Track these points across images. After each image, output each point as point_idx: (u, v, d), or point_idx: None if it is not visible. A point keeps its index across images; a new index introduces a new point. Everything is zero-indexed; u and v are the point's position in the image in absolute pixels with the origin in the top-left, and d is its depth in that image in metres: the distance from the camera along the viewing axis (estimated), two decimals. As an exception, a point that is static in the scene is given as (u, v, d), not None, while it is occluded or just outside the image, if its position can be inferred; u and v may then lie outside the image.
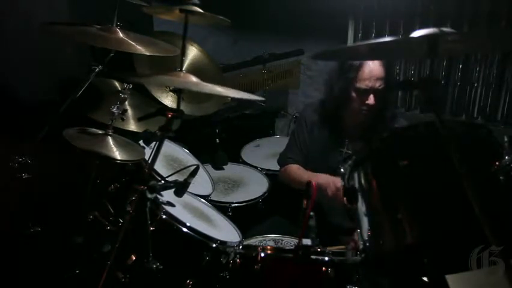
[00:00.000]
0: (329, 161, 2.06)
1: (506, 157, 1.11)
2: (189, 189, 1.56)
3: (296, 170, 2.15)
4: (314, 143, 2.17)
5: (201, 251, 1.64)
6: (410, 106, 3.22)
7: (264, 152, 2.90)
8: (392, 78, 2.03)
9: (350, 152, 2.05)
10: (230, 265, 1.60)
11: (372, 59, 1.86)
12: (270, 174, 2.57)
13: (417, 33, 0.99)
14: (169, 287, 1.65)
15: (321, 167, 2.05)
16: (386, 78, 1.94)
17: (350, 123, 2.08)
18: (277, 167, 2.57)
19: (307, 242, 1.50)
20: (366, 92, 1.93)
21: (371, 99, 1.93)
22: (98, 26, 1.59)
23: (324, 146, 2.13)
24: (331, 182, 1.88)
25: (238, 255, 1.61)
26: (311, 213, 1.48)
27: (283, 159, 2.27)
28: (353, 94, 1.96)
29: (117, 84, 2.08)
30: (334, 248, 1.55)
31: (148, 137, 1.42)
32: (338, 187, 1.84)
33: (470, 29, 2.85)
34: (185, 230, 1.63)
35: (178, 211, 1.73)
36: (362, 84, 1.92)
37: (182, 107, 1.44)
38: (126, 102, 1.84)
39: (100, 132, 1.76)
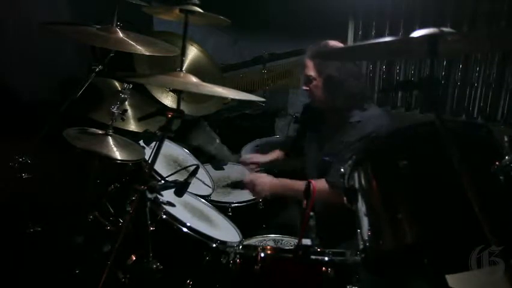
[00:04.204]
0: (308, 148, 2.28)
1: (506, 157, 1.11)
2: (189, 189, 1.56)
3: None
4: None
5: (201, 251, 1.64)
6: (410, 106, 3.21)
7: (264, 152, 2.90)
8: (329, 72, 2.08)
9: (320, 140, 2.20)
10: (230, 265, 1.60)
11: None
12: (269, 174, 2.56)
13: (417, 33, 1.00)
14: (169, 287, 1.65)
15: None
16: (324, 69, 2.04)
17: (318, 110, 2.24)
18: (277, 167, 2.58)
19: (307, 242, 1.50)
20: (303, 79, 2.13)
21: (303, 85, 2.13)
22: (98, 26, 1.59)
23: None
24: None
25: (238, 255, 1.61)
26: (311, 213, 1.48)
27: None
28: None
29: (117, 84, 2.08)
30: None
31: (148, 137, 1.42)
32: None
33: (470, 29, 2.85)
34: (185, 230, 1.63)
35: (178, 211, 1.73)
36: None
37: (182, 107, 1.44)
38: (126, 102, 1.84)
39: (100, 132, 1.76)
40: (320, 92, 2.08)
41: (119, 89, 2.02)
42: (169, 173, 1.75)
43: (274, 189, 2.19)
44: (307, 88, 2.11)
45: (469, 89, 3.00)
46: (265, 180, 2.22)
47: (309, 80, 2.09)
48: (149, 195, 1.41)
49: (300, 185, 1.98)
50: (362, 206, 1.33)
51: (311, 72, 2.07)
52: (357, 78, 2.09)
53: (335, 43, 2.09)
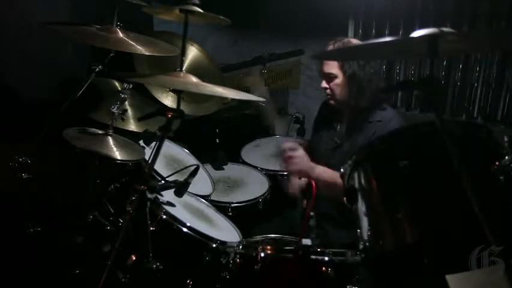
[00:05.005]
0: (322, 145, 2.17)
1: (506, 157, 1.11)
2: (189, 189, 1.56)
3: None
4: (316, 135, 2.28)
5: (201, 251, 1.64)
6: (410, 106, 3.21)
7: (264, 152, 2.90)
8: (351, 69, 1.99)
9: (337, 139, 2.10)
10: (230, 265, 1.60)
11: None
12: (270, 175, 2.57)
13: (417, 33, 1.00)
14: (169, 287, 1.65)
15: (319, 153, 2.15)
16: (348, 67, 1.96)
17: (334, 109, 2.16)
18: (277, 167, 2.58)
19: (307, 242, 1.50)
20: (322, 77, 2.05)
21: (323, 83, 2.04)
22: (98, 26, 1.59)
23: (321, 135, 2.23)
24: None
25: (238, 255, 1.61)
26: (311, 213, 1.48)
27: None
28: None
29: (117, 84, 2.08)
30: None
31: (148, 137, 1.42)
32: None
33: (470, 29, 2.85)
34: (185, 230, 1.63)
35: (178, 211, 1.73)
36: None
37: (182, 107, 1.44)
38: (126, 102, 1.84)
39: (100, 132, 1.76)
40: (342, 90, 1.98)
41: (119, 89, 2.02)
42: (169, 173, 1.76)
43: (312, 171, 1.87)
44: (327, 86, 2.02)
45: (469, 89, 3.00)
46: (305, 159, 1.91)
47: (329, 77, 1.99)
48: (149, 195, 1.41)
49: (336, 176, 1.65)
50: (362, 206, 1.33)
51: (333, 69, 1.97)
52: (381, 78, 2.03)
53: (357, 41, 2.04)
